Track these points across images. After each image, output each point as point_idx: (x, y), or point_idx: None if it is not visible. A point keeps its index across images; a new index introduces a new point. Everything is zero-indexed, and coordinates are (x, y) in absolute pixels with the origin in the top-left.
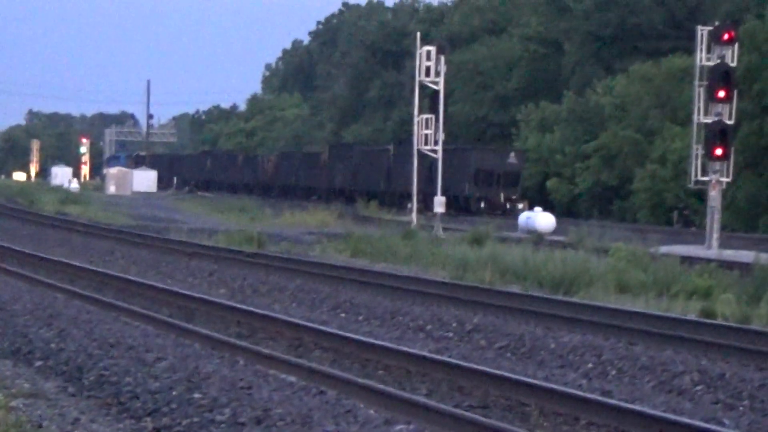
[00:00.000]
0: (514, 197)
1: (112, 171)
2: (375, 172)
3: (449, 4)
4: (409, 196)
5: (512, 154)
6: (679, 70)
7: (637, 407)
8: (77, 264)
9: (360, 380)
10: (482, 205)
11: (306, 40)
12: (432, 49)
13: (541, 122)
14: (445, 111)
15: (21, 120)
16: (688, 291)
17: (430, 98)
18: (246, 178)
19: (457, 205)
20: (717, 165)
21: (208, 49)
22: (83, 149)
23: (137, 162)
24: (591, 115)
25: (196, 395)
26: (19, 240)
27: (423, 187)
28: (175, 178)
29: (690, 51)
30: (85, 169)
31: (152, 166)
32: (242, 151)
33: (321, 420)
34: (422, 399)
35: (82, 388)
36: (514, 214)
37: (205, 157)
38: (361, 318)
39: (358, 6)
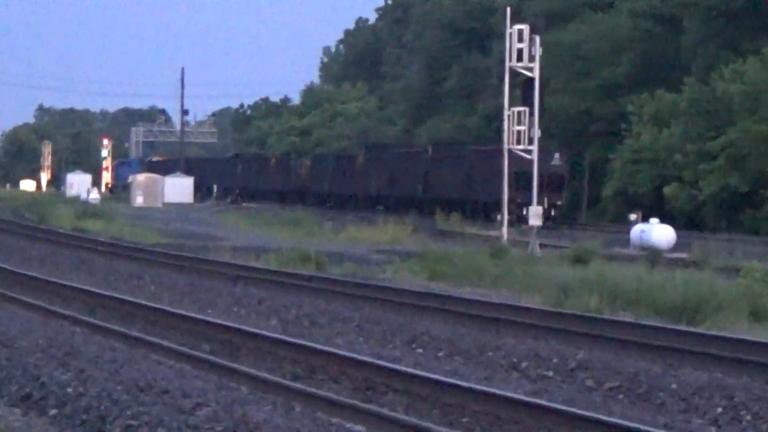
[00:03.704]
0: (559, 203)
1: (140, 178)
2: (410, 177)
3: None
4: (448, 204)
5: (556, 156)
6: None
7: None
8: (99, 291)
9: (442, 429)
10: (524, 212)
11: (372, 18)
12: (524, 28)
13: (656, 115)
14: (540, 103)
15: (29, 118)
16: None
17: (522, 88)
18: (279, 184)
19: (493, 212)
20: None
21: (254, 31)
22: (104, 152)
23: (150, 168)
24: (717, 106)
25: None
26: (28, 262)
27: (465, 193)
28: (215, 187)
29: None
30: (106, 177)
31: (187, 173)
32: (276, 154)
33: None
34: None
35: None
36: (560, 221)
37: (235, 161)
38: (441, 354)
39: None
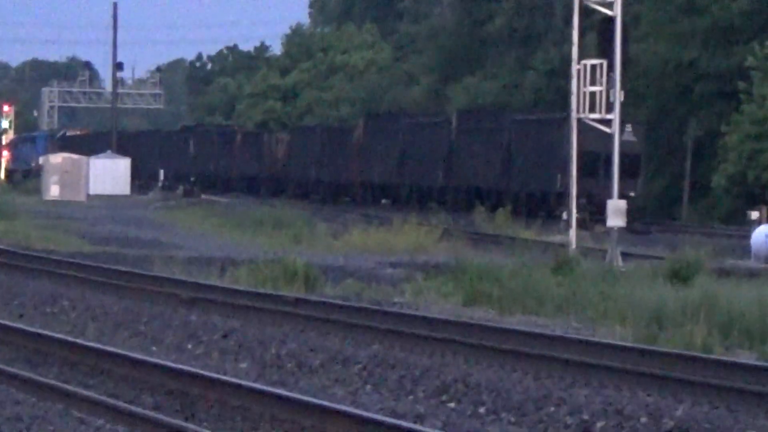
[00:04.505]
0: (632, 194)
1: (55, 160)
2: (427, 158)
3: None
4: (477, 196)
5: (629, 129)
6: None
7: None
8: None
9: None
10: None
11: None
12: None
13: None
14: (624, 53)
15: None
16: None
17: (598, 32)
18: (249, 168)
19: (540, 207)
20: None
21: None
22: (5, 123)
23: (65, 147)
24: None
25: None
26: None
27: (502, 180)
28: (161, 172)
29: None
30: (6, 158)
31: (122, 152)
32: (244, 126)
33: None
34: None
35: None
36: (644, 221)
37: (187, 136)
38: (483, 410)
39: None
